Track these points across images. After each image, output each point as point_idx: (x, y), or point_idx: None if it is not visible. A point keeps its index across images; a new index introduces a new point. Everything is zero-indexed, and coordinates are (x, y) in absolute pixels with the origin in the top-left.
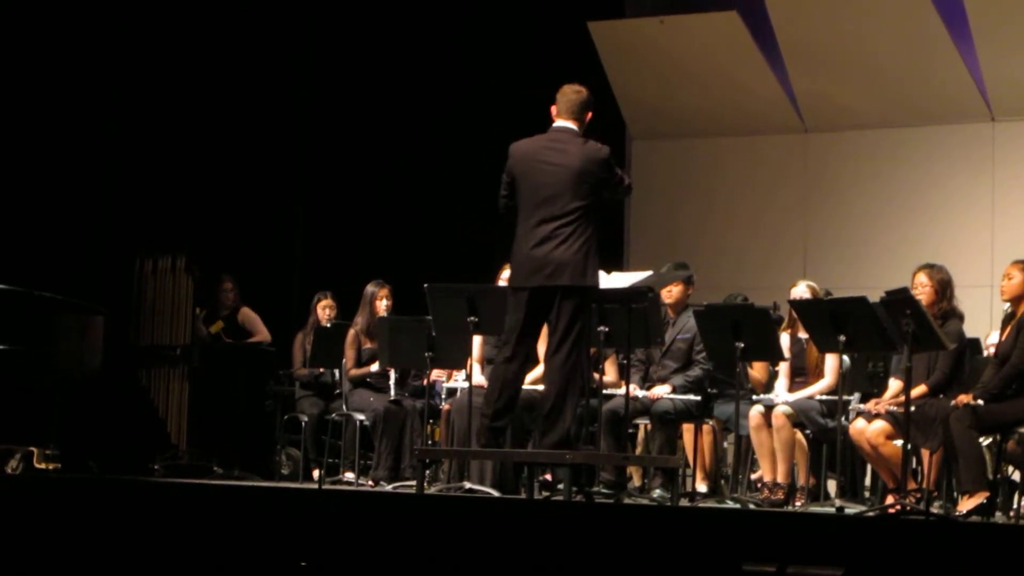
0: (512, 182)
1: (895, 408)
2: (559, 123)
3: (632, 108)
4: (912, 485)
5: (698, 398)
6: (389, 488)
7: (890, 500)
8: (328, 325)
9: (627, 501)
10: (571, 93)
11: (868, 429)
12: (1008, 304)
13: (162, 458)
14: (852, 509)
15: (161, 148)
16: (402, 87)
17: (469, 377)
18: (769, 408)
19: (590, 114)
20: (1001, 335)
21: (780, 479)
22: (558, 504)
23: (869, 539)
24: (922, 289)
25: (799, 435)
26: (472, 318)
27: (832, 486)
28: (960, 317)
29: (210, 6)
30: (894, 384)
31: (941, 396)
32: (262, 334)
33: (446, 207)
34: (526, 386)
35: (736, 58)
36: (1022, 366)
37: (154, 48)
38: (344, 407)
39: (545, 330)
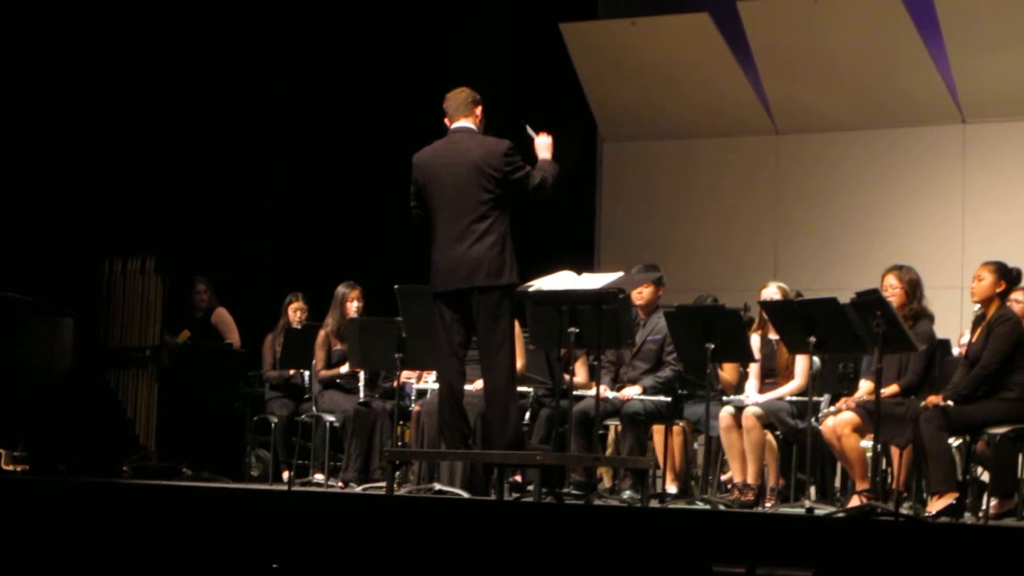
0: (419, 191)
1: (866, 398)
2: (455, 125)
3: (604, 110)
4: (865, 485)
5: (668, 399)
6: (359, 489)
7: (855, 500)
8: (298, 327)
9: (597, 502)
10: (455, 95)
11: (835, 419)
12: (978, 306)
13: (131, 460)
14: (822, 510)
15: (130, 148)
16: (374, 88)
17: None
18: (739, 409)
19: (480, 107)
20: (972, 337)
21: (750, 480)
22: (528, 505)
23: (839, 540)
24: (892, 291)
25: (769, 436)
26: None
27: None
28: (930, 318)
29: (183, 7)
30: (865, 385)
31: (912, 397)
32: (232, 338)
33: (412, 223)
34: None
35: (708, 60)
36: (992, 367)
37: (125, 48)
38: (314, 408)
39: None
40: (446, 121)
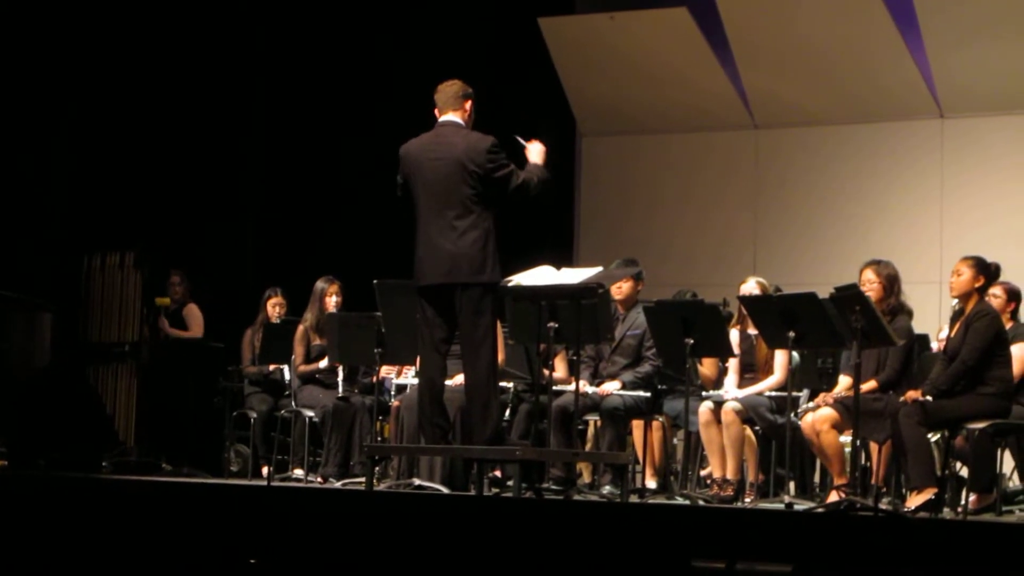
0: (405, 182)
1: (844, 394)
2: (443, 118)
3: (582, 104)
4: (844, 481)
5: (648, 394)
6: (338, 485)
7: (834, 496)
8: (278, 322)
9: (576, 497)
10: (446, 87)
11: (814, 415)
12: (956, 300)
13: (110, 455)
14: (801, 505)
15: (110, 143)
16: (353, 82)
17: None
18: (719, 404)
19: (470, 102)
20: (950, 331)
21: (729, 475)
22: (507, 501)
23: (818, 535)
24: (870, 286)
25: (748, 431)
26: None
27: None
28: (909, 313)
29: (162, 3)
30: (844, 380)
31: (891, 392)
32: (194, 333)
33: (397, 204)
34: None
35: (686, 54)
36: (971, 362)
37: (106, 44)
38: (293, 404)
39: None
40: (436, 112)
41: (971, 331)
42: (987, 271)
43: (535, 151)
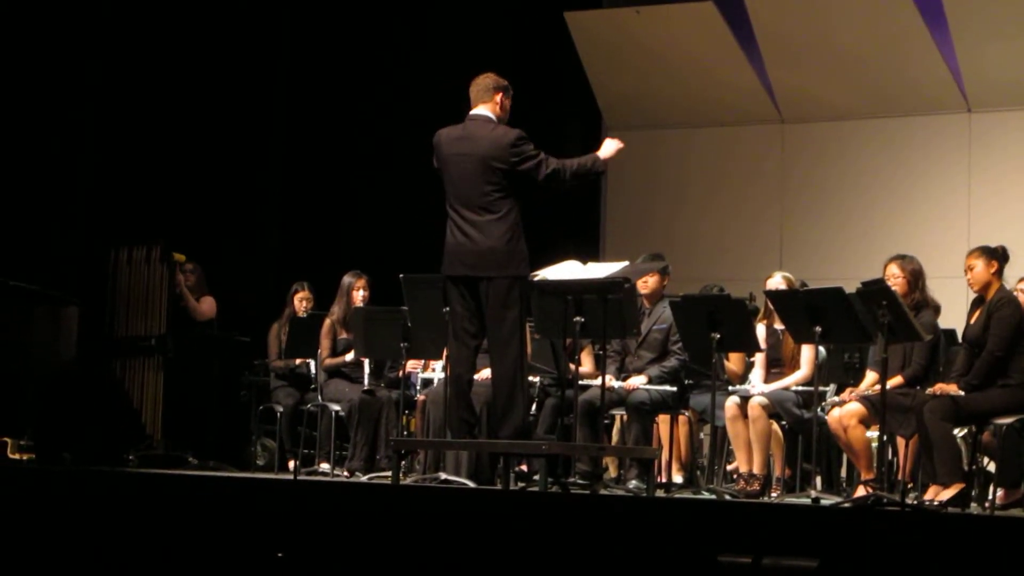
0: (439, 169)
1: (870, 392)
2: (472, 111)
3: (608, 98)
4: (871, 475)
5: (674, 389)
6: (364, 479)
7: (861, 491)
8: (304, 316)
9: (603, 492)
10: (477, 81)
11: (841, 411)
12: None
13: (137, 449)
14: (828, 500)
15: (136, 137)
16: (378, 76)
17: (445, 368)
18: (745, 399)
19: (500, 94)
20: (969, 319)
21: (756, 470)
22: (534, 495)
23: (845, 530)
24: (894, 280)
25: (775, 426)
26: (448, 309)
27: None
28: (935, 308)
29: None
30: (870, 376)
31: (918, 388)
32: (203, 311)
33: (423, 198)
34: None
35: (713, 49)
36: (999, 352)
37: (129, 37)
38: (319, 398)
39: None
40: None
41: (995, 320)
42: (995, 254)
43: (608, 145)
